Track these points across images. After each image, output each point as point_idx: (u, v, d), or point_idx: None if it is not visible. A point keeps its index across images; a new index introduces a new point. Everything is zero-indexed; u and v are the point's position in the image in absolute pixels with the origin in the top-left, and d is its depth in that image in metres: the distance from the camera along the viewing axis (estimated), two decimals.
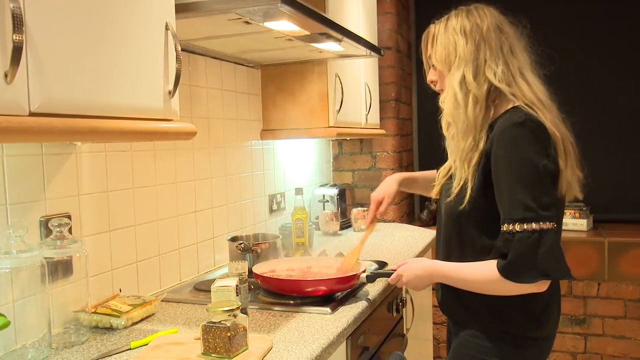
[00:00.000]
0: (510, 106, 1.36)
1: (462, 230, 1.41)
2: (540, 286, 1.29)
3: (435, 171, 1.81)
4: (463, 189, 1.37)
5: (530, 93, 1.37)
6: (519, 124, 1.30)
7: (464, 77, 1.38)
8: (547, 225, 1.25)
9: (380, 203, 1.77)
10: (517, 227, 1.26)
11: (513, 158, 1.29)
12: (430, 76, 1.53)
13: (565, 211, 3.25)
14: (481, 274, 1.34)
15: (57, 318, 1.33)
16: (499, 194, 1.31)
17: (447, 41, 1.42)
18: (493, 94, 1.38)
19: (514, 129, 1.30)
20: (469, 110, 1.36)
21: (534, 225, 1.25)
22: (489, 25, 1.40)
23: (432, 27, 1.49)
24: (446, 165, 1.53)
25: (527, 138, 1.29)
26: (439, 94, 1.52)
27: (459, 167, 1.39)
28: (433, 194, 1.57)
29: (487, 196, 1.33)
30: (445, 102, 1.41)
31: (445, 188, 1.48)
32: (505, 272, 1.28)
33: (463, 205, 1.36)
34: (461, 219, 1.39)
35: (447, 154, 1.57)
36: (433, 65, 1.49)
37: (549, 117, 1.34)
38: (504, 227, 1.28)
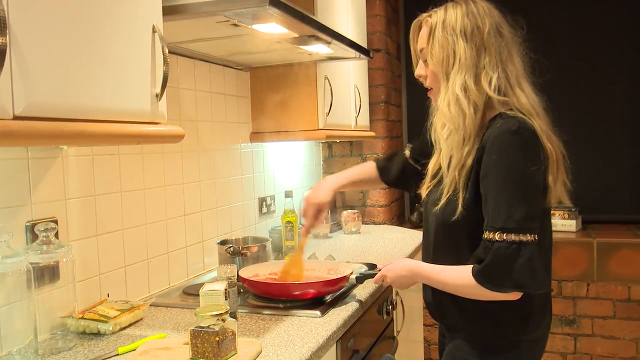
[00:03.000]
0: (497, 111, 1.34)
1: (453, 237, 1.39)
2: (512, 295, 1.28)
3: (368, 165, 1.85)
4: (453, 197, 1.35)
5: (527, 103, 1.34)
6: (513, 132, 1.27)
7: (465, 83, 1.33)
8: (527, 237, 1.24)
9: (319, 211, 1.76)
10: (497, 236, 1.25)
11: (502, 166, 1.27)
12: (419, 70, 1.47)
13: (554, 212, 3.28)
14: (458, 278, 1.34)
15: (43, 324, 1.31)
16: (485, 200, 1.30)
17: (445, 42, 1.36)
18: (488, 102, 1.34)
19: (506, 137, 1.28)
20: (469, 118, 1.33)
21: (513, 236, 1.24)
22: (490, 28, 1.35)
23: (427, 19, 1.42)
24: (435, 164, 1.49)
25: (519, 147, 1.27)
26: (428, 95, 1.49)
27: (451, 174, 1.36)
28: (422, 193, 1.54)
29: (478, 205, 1.32)
30: (449, 107, 1.35)
31: (433, 191, 1.46)
32: (479, 277, 1.28)
33: (455, 217, 1.34)
34: (452, 227, 1.37)
35: (433, 149, 1.54)
36: (425, 61, 1.43)
37: (544, 129, 1.32)
38: (485, 235, 1.28)
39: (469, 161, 1.33)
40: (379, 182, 1.85)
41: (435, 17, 1.40)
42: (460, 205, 1.33)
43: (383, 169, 1.83)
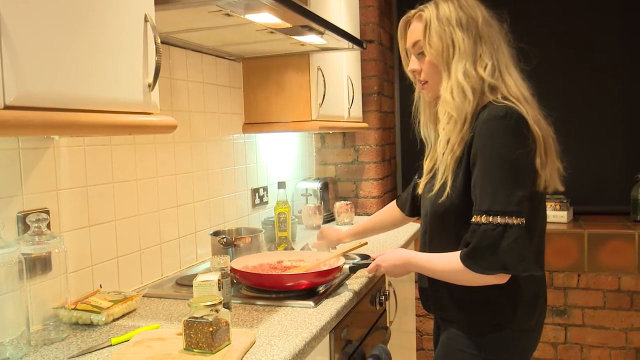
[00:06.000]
0: (487, 100, 1.36)
1: (446, 225, 1.41)
2: (499, 279, 1.29)
3: (390, 205, 1.91)
4: (444, 183, 1.37)
5: (516, 89, 1.37)
6: (501, 117, 1.30)
7: (466, 70, 1.36)
8: (513, 220, 1.25)
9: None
10: (483, 219, 1.27)
11: (489, 150, 1.29)
12: (413, 65, 1.48)
13: (546, 203, 3.30)
14: (447, 264, 1.36)
15: (35, 315, 1.31)
16: (473, 185, 1.32)
17: (443, 32, 1.38)
18: (481, 89, 1.37)
19: (494, 122, 1.30)
20: (468, 104, 1.35)
21: (499, 219, 1.25)
22: (482, 19, 1.39)
23: (421, 13, 1.44)
24: (429, 161, 1.52)
25: (506, 131, 1.29)
26: (422, 89, 1.50)
27: (445, 160, 1.37)
28: (419, 191, 1.56)
29: (468, 193, 1.33)
30: (452, 95, 1.36)
31: (428, 183, 1.48)
32: (465, 260, 1.30)
33: (444, 199, 1.36)
34: (445, 215, 1.39)
35: (425, 147, 1.58)
36: (420, 54, 1.45)
37: (532, 113, 1.34)
38: (473, 218, 1.29)
39: (460, 147, 1.35)
40: (402, 220, 1.90)
41: (428, 12, 1.42)
42: (448, 189, 1.35)
43: (403, 205, 1.87)
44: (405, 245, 2.38)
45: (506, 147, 1.28)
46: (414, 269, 1.50)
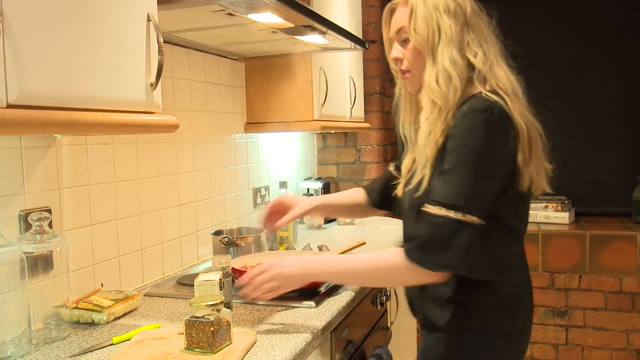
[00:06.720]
0: (474, 92, 1.28)
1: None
2: (441, 277, 1.23)
3: (355, 189, 1.75)
4: (423, 178, 1.29)
5: (506, 80, 1.30)
6: (482, 111, 1.22)
7: (453, 57, 1.28)
8: (473, 219, 1.18)
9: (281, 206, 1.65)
10: (439, 211, 1.19)
11: (462, 143, 1.22)
12: (396, 53, 1.39)
13: (547, 205, 3.29)
14: (383, 261, 1.27)
15: (37, 313, 1.31)
16: (438, 172, 1.24)
17: (429, 17, 1.30)
18: (468, 79, 1.30)
19: (474, 115, 1.23)
20: (454, 92, 1.27)
21: (460, 215, 1.18)
22: (471, 9, 1.33)
23: (404, 1, 1.37)
24: (409, 161, 1.43)
25: (484, 125, 1.22)
26: (404, 79, 1.41)
27: (424, 152, 1.29)
28: (399, 193, 1.48)
29: None
30: (438, 82, 1.28)
31: (408, 183, 1.38)
32: (411, 253, 1.21)
33: (419, 193, 1.27)
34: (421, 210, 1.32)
35: (404, 149, 1.49)
36: (404, 41, 1.36)
37: (518, 108, 1.27)
38: (427, 207, 1.21)
39: (441, 140, 1.27)
40: (366, 206, 1.71)
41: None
42: (426, 183, 1.27)
43: (370, 191, 1.71)
44: None
45: (481, 142, 1.21)
46: (317, 277, 1.40)
